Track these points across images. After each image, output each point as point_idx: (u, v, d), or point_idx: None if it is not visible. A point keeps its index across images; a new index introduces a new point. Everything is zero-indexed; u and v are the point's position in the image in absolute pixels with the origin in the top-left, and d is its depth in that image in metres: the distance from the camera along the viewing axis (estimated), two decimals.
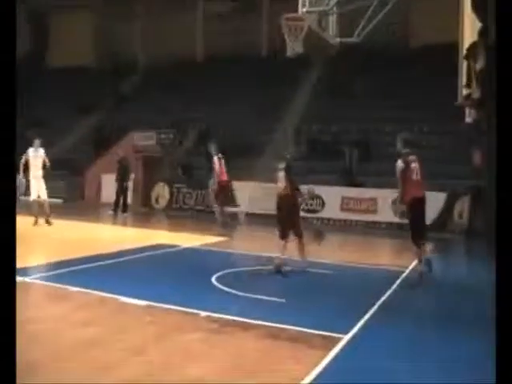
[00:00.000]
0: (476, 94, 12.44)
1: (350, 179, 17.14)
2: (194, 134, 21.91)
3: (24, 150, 12.66)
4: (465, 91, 13.71)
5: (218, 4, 28.46)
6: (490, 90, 9.97)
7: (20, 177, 12.89)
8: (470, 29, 13.48)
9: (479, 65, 11.90)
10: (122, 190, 16.57)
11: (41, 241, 11.01)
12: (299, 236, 8.41)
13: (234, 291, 6.78)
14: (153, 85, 25.44)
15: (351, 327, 5.34)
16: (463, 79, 13.79)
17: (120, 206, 16.47)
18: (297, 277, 8.16)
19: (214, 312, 5.70)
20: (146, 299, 6.11)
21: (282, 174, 8.24)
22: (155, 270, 8.44)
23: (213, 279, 7.37)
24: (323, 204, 16.37)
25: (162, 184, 18.88)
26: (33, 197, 12.98)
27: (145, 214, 16.68)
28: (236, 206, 16.36)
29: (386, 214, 15.06)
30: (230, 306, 6.11)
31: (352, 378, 4.17)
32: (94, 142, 22.93)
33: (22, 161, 12.81)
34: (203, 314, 5.67)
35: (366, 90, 20.81)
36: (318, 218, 16.21)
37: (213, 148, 13.08)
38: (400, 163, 7.92)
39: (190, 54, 28.26)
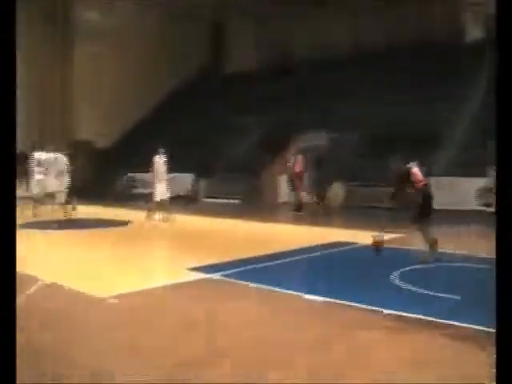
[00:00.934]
0: None
1: None
2: (364, 133, 21.69)
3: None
4: None
5: None
6: None
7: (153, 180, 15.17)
8: None
9: None
10: (296, 190, 17.15)
11: (222, 239, 11.73)
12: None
13: (413, 288, 6.72)
14: (318, 84, 25.61)
15: None
16: None
17: (297, 206, 17.02)
18: (458, 272, 8.03)
19: (395, 310, 5.68)
20: (326, 296, 6.27)
21: None
22: (333, 267, 8.58)
23: (392, 276, 7.33)
24: None
25: (336, 183, 19.07)
26: (157, 199, 14.89)
27: (320, 212, 16.93)
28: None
29: None
30: (409, 303, 6.05)
31: None
32: (267, 144, 23.76)
33: (152, 167, 15.13)
34: (385, 311, 5.68)
35: None
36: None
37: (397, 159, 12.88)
38: None
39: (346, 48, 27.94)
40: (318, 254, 9.65)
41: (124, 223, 14.52)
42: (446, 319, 5.36)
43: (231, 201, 20.26)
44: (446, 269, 8.16)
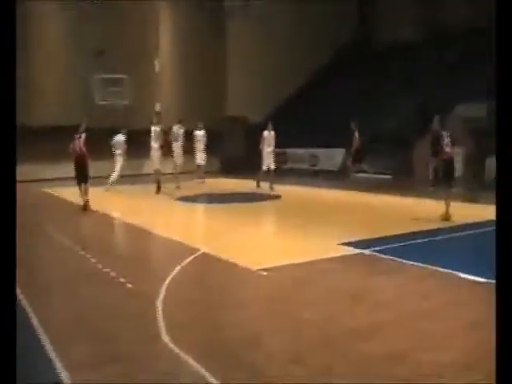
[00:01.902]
0: None
1: None
2: None
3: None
4: None
5: None
6: None
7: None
8: None
9: None
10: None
11: (373, 215, 11.68)
12: None
13: None
14: (474, 53, 24.04)
15: None
16: None
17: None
18: None
19: None
20: (482, 276, 6.06)
21: None
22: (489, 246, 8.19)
23: None
24: None
25: (489, 158, 17.93)
26: (263, 168, 17.17)
27: (474, 188, 16.08)
28: None
29: None
30: None
31: None
32: (420, 117, 22.88)
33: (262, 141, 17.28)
34: None
35: None
36: None
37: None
38: None
39: None
40: (473, 231, 9.28)
41: (277, 197, 15.05)
42: None
43: (382, 176, 19.96)
44: None
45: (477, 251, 7.81)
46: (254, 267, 6.69)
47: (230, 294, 5.91)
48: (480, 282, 5.98)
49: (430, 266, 6.68)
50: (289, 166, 25.06)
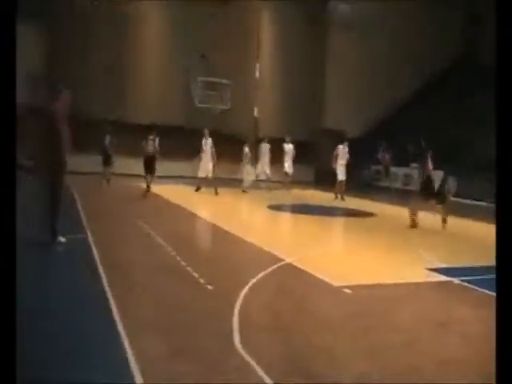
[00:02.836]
0: None
1: None
2: None
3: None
4: None
5: None
6: None
7: None
8: None
9: None
10: None
11: (467, 242, 11.07)
12: None
13: None
14: None
15: None
16: None
17: None
18: None
19: None
20: None
21: None
22: None
23: None
24: None
25: None
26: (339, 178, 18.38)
27: None
28: None
29: None
30: None
31: None
32: None
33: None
34: None
35: None
36: None
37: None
38: None
39: None
40: None
41: (369, 215, 14.66)
42: None
43: (478, 202, 18.98)
44: None
45: None
46: (337, 283, 6.45)
47: (307, 308, 5.69)
48: None
49: None
50: (386, 184, 24.46)
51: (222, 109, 26.19)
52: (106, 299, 5.34)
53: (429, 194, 12.77)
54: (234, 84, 26.40)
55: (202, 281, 6.23)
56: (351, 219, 14.05)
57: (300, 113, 28.85)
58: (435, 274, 7.42)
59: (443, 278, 7.23)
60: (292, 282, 6.73)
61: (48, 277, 6.47)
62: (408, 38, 29.66)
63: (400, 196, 19.66)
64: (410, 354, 4.46)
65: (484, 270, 7.90)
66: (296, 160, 21.47)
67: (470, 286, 6.88)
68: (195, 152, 19.81)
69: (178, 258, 7.45)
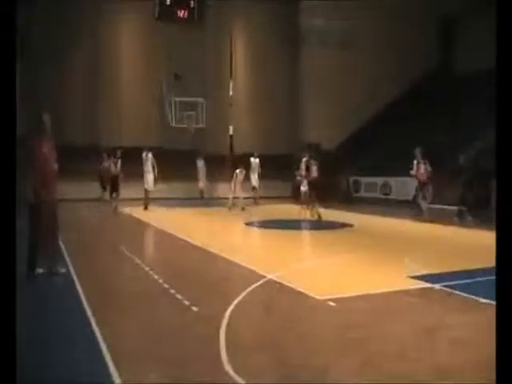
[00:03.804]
0: None
1: None
2: None
3: None
4: None
5: None
6: None
7: None
8: None
9: None
10: None
11: (446, 247, 11.20)
12: None
13: None
14: None
15: None
16: None
17: None
18: None
19: None
20: None
21: None
22: None
23: None
24: None
25: None
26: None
27: None
28: None
29: None
30: None
31: None
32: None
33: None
34: None
35: None
36: None
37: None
38: None
39: None
40: None
41: (348, 226, 14.80)
42: None
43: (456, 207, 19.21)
44: None
45: None
46: (321, 297, 6.49)
47: (292, 323, 5.72)
48: None
49: None
50: (361, 194, 24.70)
51: (198, 128, 26.33)
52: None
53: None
54: (209, 103, 26.57)
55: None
56: (330, 231, 14.12)
57: (276, 128, 29.05)
58: (417, 281, 7.50)
59: (425, 284, 7.32)
60: (276, 297, 6.76)
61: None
62: (381, 51, 30.03)
63: (379, 206, 19.90)
64: (402, 363, 4.46)
65: (466, 273, 8.02)
66: (272, 175, 21.72)
67: (451, 290, 6.98)
68: (173, 172, 20.00)
69: (156, 277, 7.47)
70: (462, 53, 31.30)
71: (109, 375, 4.09)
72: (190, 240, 11.75)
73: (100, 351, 4.60)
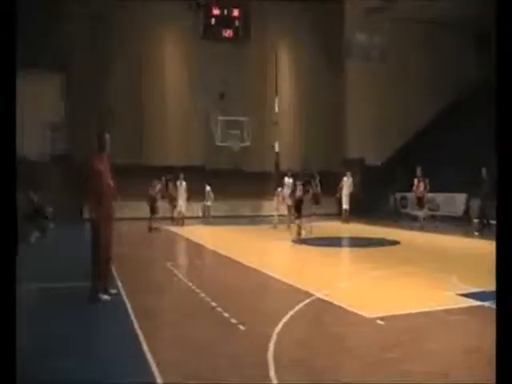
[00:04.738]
0: None
1: None
2: None
3: None
4: None
5: None
6: None
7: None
8: None
9: None
10: None
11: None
12: None
13: None
14: None
15: None
16: None
17: None
18: None
19: None
20: None
21: None
22: None
23: None
24: None
25: None
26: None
27: None
28: None
29: None
30: None
31: None
32: None
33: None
34: None
35: None
36: None
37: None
38: None
39: None
40: None
41: (395, 243, 14.66)
42: None
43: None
44: None
45: None
46: (370, 315, 6.48)
47: (340, 341, 5.73)
48: None
49: None
50: (408, 210, 24.40)
51: (243, 146, 26.54)
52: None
53: None
54: (254, 120, 26.77)
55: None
56: (377, 248, 14.01)
57: (321, 144, 29.03)
58: (466, 299, 7.39)
59: (475, 302, 7.21)
60: (324, 316, 6.77)
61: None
62: (421, 64, 29.89)
63: (427, 222, 19.60)
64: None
65: None
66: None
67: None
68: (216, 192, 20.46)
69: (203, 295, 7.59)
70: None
71: None
72: (237, 259, 11.87)
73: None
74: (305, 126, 29.54)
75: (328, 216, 23.77)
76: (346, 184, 21.53)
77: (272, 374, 4.55)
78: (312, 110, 29.51)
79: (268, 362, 4.84)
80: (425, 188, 18.36)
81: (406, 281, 9.02)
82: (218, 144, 26.28)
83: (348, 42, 29.74)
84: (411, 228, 18.79)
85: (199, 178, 22.78)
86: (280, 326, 6.04)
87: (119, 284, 8.61)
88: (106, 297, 7.43)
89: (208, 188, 22.30)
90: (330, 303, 7.24)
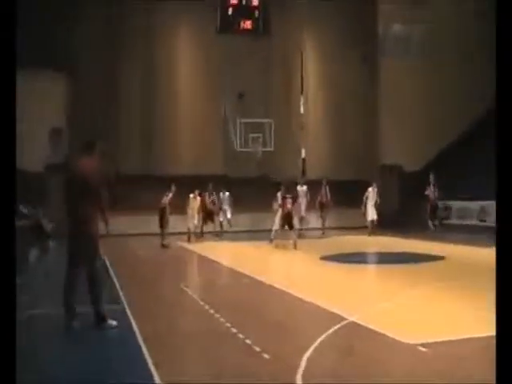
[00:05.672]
0: None
1: None
2: None
3: None
4: None
5: None
6: None
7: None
8: None
9: None
10: None
11: None
12: None
13: None
14: None
15: None
16: None
17: None
18: None
19: None
20: None
21: None
22: None
23: None
24: None
25: None
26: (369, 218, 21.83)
27: None
28: None
29: None
30: None
31: None
32: None
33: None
34: None
35: None
36: None
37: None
38: None
39: None
40: None
41: (439, 258, 14.39)
42: None
43: None
44: None
45: None
46: (410, 341, 6.33)
47: (379, 370, 5.61)
48: None
49: None
50: (453, 221, 24.01)
51: (265, 151, 26.37)
52: None
53: None
54: (277, 123, 26.50)
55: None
56: (417, 265, 13.73)
57: (352, 150, 28.56)
58: None
59: None
60: (359, 342, 6.64)
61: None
62: (465, 71, 29.00)
63: (474, 234, 19.28)
64: None
65: None
66: (344, 202, 22.02)
67: None
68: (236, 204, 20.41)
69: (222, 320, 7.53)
70: None
71: None
72: (261, 279, 11.79)
73: None
74: (333, 130, 29.09)
75: (353, 229, 23.54)
76: (371, 195, 22.26)
77: None
78: (341, 111, 28.99)
79: None
80: (434, 195, 21.09)
81: (450, 301, 8.85)
82: (238, 149, 26.12)
83: (383, 34, 29.17)
84: (456, 241, 18.39)
85: (220, 188, 22.60)
86: (308, 353, 5.93)
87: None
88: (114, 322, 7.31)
89: (227, 194, 22.29)
90: (364, 327, 7.12)
